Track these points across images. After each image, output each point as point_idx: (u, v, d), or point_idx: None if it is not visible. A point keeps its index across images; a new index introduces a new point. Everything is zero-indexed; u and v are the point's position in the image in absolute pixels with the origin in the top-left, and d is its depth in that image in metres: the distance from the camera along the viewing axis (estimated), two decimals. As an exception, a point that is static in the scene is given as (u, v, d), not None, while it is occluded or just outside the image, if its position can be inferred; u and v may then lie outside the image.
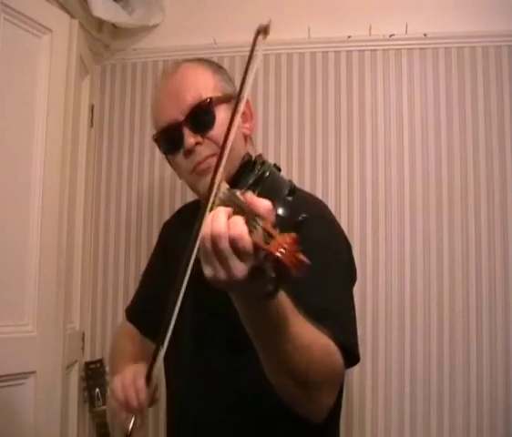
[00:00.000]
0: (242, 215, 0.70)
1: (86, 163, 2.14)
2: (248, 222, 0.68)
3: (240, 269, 0.69)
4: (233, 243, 0.67)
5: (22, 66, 1.73)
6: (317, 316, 0.87)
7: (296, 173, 2.10)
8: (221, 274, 0.70)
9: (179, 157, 1.14)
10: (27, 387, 1.69)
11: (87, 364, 2.06)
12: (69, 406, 1.99)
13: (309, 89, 2.16)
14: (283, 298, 0.79)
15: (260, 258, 0.67)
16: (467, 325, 1.99)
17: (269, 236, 0.65)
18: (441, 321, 2.01)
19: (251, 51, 0.80)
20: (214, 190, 0.81)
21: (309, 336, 0.84)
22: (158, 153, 1.98)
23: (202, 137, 1.11)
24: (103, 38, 2.25)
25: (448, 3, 2.11)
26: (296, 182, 0.94)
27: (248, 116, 1.24)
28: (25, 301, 1.72)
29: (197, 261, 0.77)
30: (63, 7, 1.92)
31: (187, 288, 0.83)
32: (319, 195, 2.06)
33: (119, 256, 2.21)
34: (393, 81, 2.12)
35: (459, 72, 2.08)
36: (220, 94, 1.15)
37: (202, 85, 1.14)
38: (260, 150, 2.32)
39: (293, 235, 0.64)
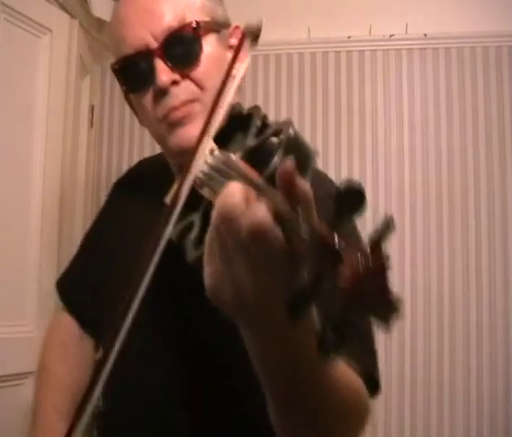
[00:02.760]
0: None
1: (86, 163, 2.14)
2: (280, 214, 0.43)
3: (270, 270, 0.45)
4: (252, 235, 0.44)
5: (22, 66, 1.73)
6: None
7: (296, 173, 2.10)
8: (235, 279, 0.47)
9: (146, 99, 0.83)
10: (27, 387, 1.69)
11: (87, 364, 2.06)
12: (69, 406, 1.98)
13: (309, 89, 2.16)
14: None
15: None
16: (467, 326, 1.99)
17: (333, 248, 0.40)
18: (441, 321, 2.00)
19: (234, 57, 0.56)
20: (198, 156, 0.57)
21: (343, 378, 0.60)
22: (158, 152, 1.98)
23: (181, 74, 0.81)
24: (103, 38, 2.24)
25: (448, 3, 2.11)
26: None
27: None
28: (26, 302, 1.72)
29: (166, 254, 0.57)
30: (63, 7, 1.92)
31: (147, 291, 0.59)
32: (319, 195, 2.07)
33: (119, 256, 2.21)
34: (393, 81, 2.12)
35: (459, 72, 2.08)
36: (208, 18, 0.84)
37: (187, 2, 0.83)
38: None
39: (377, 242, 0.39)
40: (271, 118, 0.61)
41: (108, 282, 0.96)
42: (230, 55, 0.86)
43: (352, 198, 0.40)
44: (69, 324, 1.08)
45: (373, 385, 0.73)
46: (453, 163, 2.06)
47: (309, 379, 0.54)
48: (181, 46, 0.81)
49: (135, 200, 1.01)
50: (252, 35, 0.59)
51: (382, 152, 2.10)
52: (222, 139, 0.61)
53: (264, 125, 0.60)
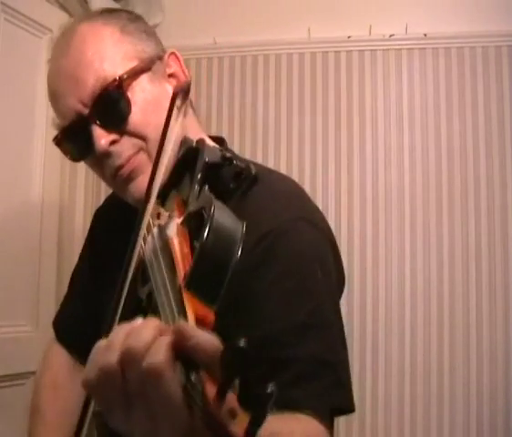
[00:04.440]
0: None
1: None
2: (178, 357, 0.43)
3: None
4: (146, 374, 0.42)
5: (22, 66, 1.73)
6: (307, 372, 0.67)
7: (296, 173, 2.10)
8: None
9: (93, 163, 0.86)
10: (27, 387, 1.69)
11: (87, 364, 2.06)
12: (69, 406, 1.98)
13: (309, 89, 2.16)
14: None
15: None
16: (467, 325, 1.99)
17: (209, 410, 0.40)
18: (441, 321, 2.00)
19: (168, 117, 0.57)
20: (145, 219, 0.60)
21: None
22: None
23: (118, 132, 0.80)
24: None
25: (448, 3, 2.11)
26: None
27: (180, 79, 0.88)
28: (26, 301, 1.72)
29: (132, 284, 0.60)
30: (63, 7, 1.93)
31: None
32: (319, 196, 2.07)
33: (119, 256, 2.21)
34: (393, 81, 2.12)
35: (459, 72, 2.08)
36: (134, 62, 0.82)
37: (107, 56, 0.80)
38: (259, 151, 2.33)
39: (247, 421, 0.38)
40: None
41: (96, 311, 0.96)
42: (169, 85, 0.86)
43: (236, 359, 0.39)
44: (62, 362, 1.07)
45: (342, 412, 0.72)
46: (453, 163, 2.06)
47: None
48: (110, 106, 0.80)
49: (112, 225, 1.01)
50: (183, 91, 0.61)
51: (382, 152, 2.10)
52: (173, 179, 0.64)
53: (207, 171, 0.63)
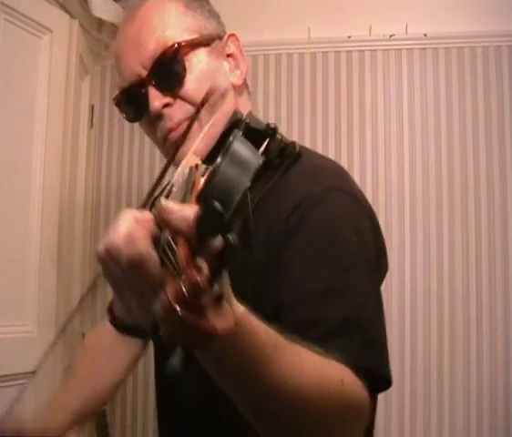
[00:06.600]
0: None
1: (86, 163, 2.14)
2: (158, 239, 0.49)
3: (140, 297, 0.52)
4: (128, 266, 0.50)
5: (22, 66, 1.73)
6: (334, 331, 0.67)
7: (296, 173, 2.11)
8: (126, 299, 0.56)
9: (147, 125, 0.90)
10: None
11: (88, 364, 2.05)
12: (69, 406, 1.98)
13: (309, 89, 2.16)
14: (249, 328, 0.53)
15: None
16: (467, 325, 1.99)
17: (173, 268, 0.46)
18: (441, 321, 2.01)
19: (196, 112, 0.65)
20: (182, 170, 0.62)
21: (307, 377, 0.59)
22: (158, 153, 1.97)
23: (172, 96, 0.85)
24: (103, 38, 2.25)
25: (448, 3, 2.11)
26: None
27: (238, 60, 0.94)
28: (26, 301, 1.72)
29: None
30: (63, 7, 1.92)
31: None
32: (319, 195, 2.07)
33: (119, 256, 2.21)
34: (393, 81, 2.12)
35: (459, 72, 2.08)
36: (195, 35, 0.88)
37: (170, 25, 0.86)
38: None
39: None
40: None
41: None
42: (226, 63, 0.92)
43: (211, 220, 0.44)
44: (105, 328, 1.09)
45: (377, 378, 0.69)
46: (453, 163, 2.06)
47: (248, 378, 0.56)
48: (167, 70, 0.85)
49: None
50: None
51: (382, 152, 2.10)
52: (217, 150, 0.64)
53: (248, 135, 0.63)
